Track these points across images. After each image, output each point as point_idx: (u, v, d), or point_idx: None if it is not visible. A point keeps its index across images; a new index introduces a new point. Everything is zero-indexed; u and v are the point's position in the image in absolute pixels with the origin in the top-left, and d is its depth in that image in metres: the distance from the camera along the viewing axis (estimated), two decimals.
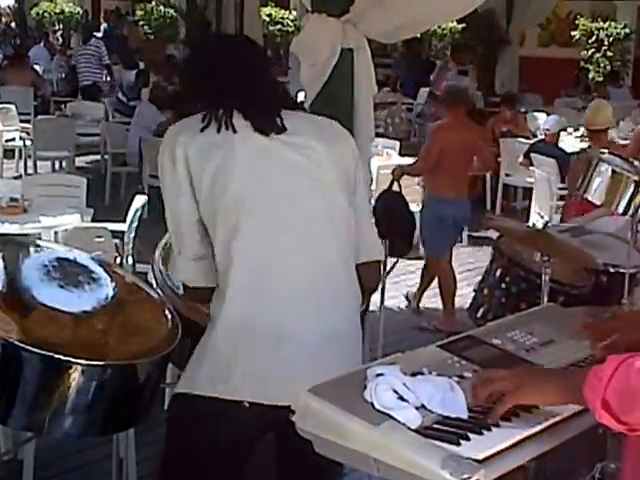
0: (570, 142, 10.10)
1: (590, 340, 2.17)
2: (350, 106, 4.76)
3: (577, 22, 18.32)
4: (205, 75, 2.50)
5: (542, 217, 8.03)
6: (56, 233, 5.35)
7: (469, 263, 8.03)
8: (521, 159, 9.28)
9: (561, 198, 8.35)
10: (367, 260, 2.55)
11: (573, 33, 18.18)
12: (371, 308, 3.11)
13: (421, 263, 7.58)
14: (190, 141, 2.35)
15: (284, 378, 2.31)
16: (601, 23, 18.19)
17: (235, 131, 2.36)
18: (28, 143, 10.72)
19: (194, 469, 2.40)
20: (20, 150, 11.07)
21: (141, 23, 23.84)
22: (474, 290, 4.30)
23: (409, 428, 1.76)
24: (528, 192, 9.21)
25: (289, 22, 21.76)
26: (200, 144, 2.35)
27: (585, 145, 9.95)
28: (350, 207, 2.46)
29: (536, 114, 11.84)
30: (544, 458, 1.87)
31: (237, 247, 2.32)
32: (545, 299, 3.34)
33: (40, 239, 4.56)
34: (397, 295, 6.84)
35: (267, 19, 20.38)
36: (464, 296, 6.74)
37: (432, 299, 7.03)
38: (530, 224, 7.36)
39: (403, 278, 7.35)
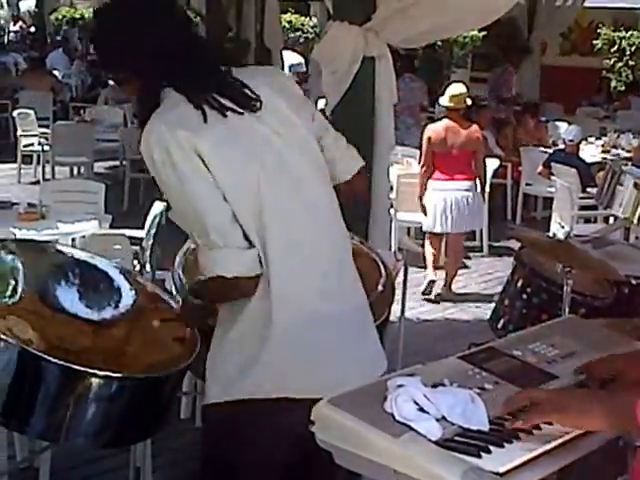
0: (591, 151, 10.06)
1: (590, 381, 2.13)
2: (371, 114, 4.76)
3: (599, 31, 18.25)
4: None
5: (563, 227, 7.98)
6: (74, 239, 5.34)
7: (489, 273, 8.00)
8: (540, 169, 9.24)
9: (582, 208, 8.30)
10: (355, 172, 2.55)
11: (595, 42, 18.11)
12: (391, 318, 3.08)
13: (439, 273, 7.56)
14: (196, 135, 2.20)
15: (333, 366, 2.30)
16: (623, 32, 18.12)
17: (225, 115, 2.25)
18: (47, 148, 10.73)
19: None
20: (38, 155, 11.09)
21: None
22: (495, 301, 4.27)
23: (430, 440, 1.74)
24: (549, 202, 9.16)
25: (309, 29, 21.83)
26: (210, 138, 2.21)
27: (606, 155, 9.95)
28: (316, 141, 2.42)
29: (557, 123, 11.78)
30: (565, 472, 1.84)
31: (268, 237, 2.24)
32: (567, 310, 3.31)
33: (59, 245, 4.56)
34: (416, 306, 6.81)
35: (287, 26, 20.42)
36: (484, 307, 6.72)
37: (450, 310, 7.02)
38: (551, 234, 7.32)
39: (421, 289, 7.32)
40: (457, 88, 7.31)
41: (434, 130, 7.26)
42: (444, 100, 7.28)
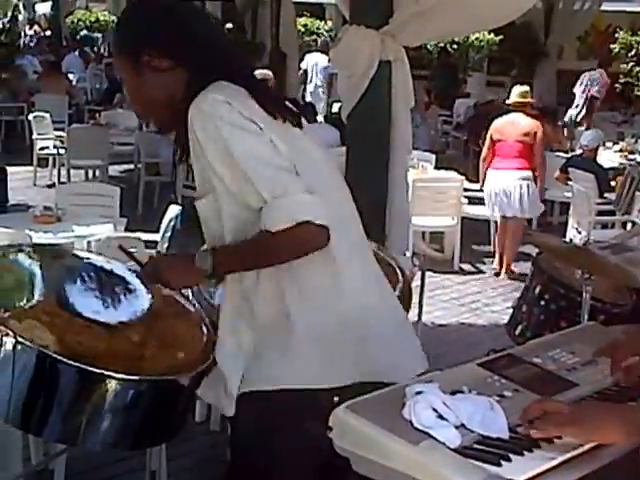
0: (608, 156, 10.00)
1: (611, 362, 2.13)
2: (387, 118, 4.75)
3: (616, 35, 18.17)
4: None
5: (580, 232, 7.95)
6: (89, 242, 5.34)
7: (505, 279, 7.96)
8: (557, 174, 9.19)
9: (599, 213, 8.26)
10: None
11: (612, 46, 18.04)
12: None
13: (453, 278, 7.59)
14: (234, 100, 2.16)
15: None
16: None
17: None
18: (62, 152, 10.76)
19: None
20: (54, 158, 11.12)
21: None
22: (512, 307, 4.24)
23: (449, 447, 1.73)
24: (565, 207, 9.12)
25: (324, 32, 21.85)
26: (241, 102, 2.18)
27: (624, 160, 9.89)
28: None
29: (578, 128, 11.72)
30: None
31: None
32: (585, 317, 3.29)
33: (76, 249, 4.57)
34: (431, 310, 6.79)
35: (302, 29, 20.45)
36: (500, 312, 6.70)
37: (466, 315, 7.00)
38: (567, 239, 7.29)
39: (437, 293, 7.31)
40: (523, 87, 8.15)
41: (498, 122, 7.96)
42: (515, 96, 7.97)
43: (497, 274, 8.05)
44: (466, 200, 8.39)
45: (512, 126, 7.80)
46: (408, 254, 6.36)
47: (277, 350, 2.23)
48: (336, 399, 2.11)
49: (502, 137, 7.83)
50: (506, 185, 7.80)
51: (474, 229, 8.74)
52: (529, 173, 7.82)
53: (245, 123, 2.14)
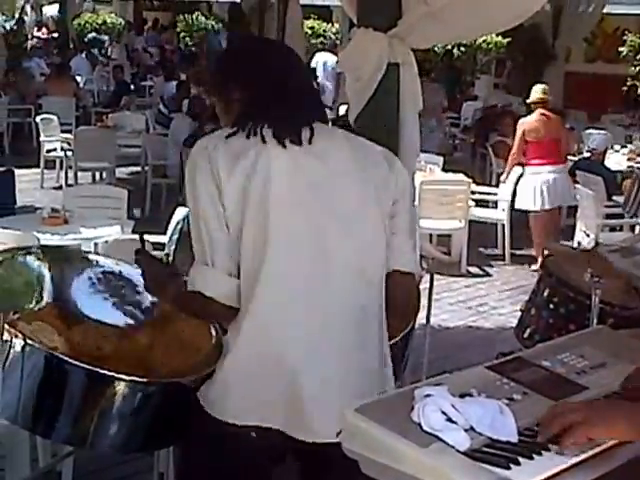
0: (616, 159, 9.97)
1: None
2: (396, 121, 4.73)
3: (625, 38, 18.13)
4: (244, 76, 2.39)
5: (588, 235, 7.93)
6: (96, 244, 5.36)
7: (512, 282, 7.96)
8: None
9: (607, 216, 8.25)
10: (399, 269, 2.41)
11: (621, 49, 17.99)
12: (415, 325, 3.07)
13: (460, 281, 7.60)
14: (220, 151, 2.25)
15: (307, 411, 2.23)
16: None
17: (264, 141, 2.27)
18: (69, 154, 10.78)
19: None
20: (61, 161, 11.14)
21: (182, 35, 24.11)
22: (520, 310, 4.22)
23: (458, 450, 1.72)
24: (572, 210, 9.11)
25: (331, 35, 21.85)
26: (229, 152, 2.24)
27: (632, 163, 9.87)
28: (381, 235, 2.35)
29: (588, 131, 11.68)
30: None
31: (263, 274, 2.21)
32: (595, 321, 3.27)
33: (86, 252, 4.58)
34: (438, 313, 6.78)
35: (309, 32, 20.45)
36: (507, 314, 6.69)
37: (473, 318, 6.99)
38: (575, 243, 7.28)
39: (444, 295, 7.30)
40: (541, 85, 8.57)
41: (528, 122, 8.33)
42: (537, 93, 8.33)
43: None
44: (473, 203, 8.39)
45: (543, 125, 8.21)
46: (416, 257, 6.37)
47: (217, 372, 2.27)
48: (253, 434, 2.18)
49: (535, 136, 8.20)
50: (545, 179, 8.24)
51: (481, 232, 8.74)
52: (562, 166, 8.40)
53: (207, 192, 2.22)
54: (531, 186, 8.32)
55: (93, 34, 24.87)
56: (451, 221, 8.13)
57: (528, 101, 8.54)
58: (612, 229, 8.46)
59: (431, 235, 8.59)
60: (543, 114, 8.26)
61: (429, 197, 7.90)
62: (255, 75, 2.38)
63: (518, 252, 8.63)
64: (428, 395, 1.85)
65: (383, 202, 2.36)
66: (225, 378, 2.24)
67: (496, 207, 9.00)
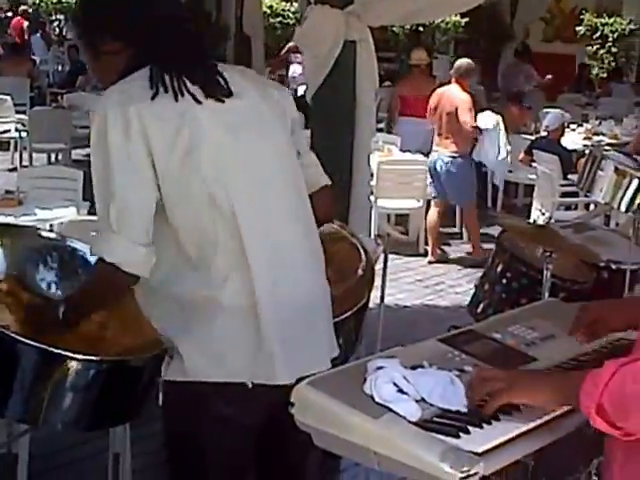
0: (573, 138, 10.07)
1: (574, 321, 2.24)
2: (352, 99, 4.74)
3: (582, 17, 18.26)
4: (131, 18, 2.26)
5: (543, 214, 8.01)
6: (52, 226, 5.31)
7: (470, 259, 8.01)
8: (521, 156, 9.25)
9: (563, 195, 8.33)
10: (327, 183, 2.57)
11: (578, 29, 18.13)
12: (370, 305, 3.08)
13: (418, 260, 7.63)
14: (146, 113, 2.13)
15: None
16: (606, 19, 18.14)
17: (198, 101, 2.20)
18: (24, 135, 10.64)
19: (201, 454, 2.32)
20: (15, 142, 10.99)
21: None
22: (475, 286, 4.28)
23: (409, 421, 1.75)
24: (529, 189, 9.19)
25: (290, 14, 21.71)
26: (159, 117, 2.14)
27: (588, 142, 9.96)
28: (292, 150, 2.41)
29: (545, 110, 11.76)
30: (542, 453, 1.86)
31: (242, 227, 2.21)
32: (546, 295, 3.32)
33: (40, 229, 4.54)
34: (394, 292, 6.82)
35: (268, 11, 20.31)
36: (464, 293, 6.74)
37: (430, 297, 7.04)
38: (531, 221, 7.35)
39: (401, 275, 7.33)
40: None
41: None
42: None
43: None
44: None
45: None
46: (372, 236, 6.40)
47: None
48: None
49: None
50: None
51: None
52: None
53: (129, 158, 2.17)
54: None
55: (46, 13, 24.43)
56: (409, 200, 8.15)
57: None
58: (567, 208, 8.54)
59: (389, 215, 8.62)
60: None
61: (387, 177, 7.92)
62: (129, 21, 2.25)
63: None
64: (380, 367, 1.88)
65: (287, 122, 2.43)
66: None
67: None
